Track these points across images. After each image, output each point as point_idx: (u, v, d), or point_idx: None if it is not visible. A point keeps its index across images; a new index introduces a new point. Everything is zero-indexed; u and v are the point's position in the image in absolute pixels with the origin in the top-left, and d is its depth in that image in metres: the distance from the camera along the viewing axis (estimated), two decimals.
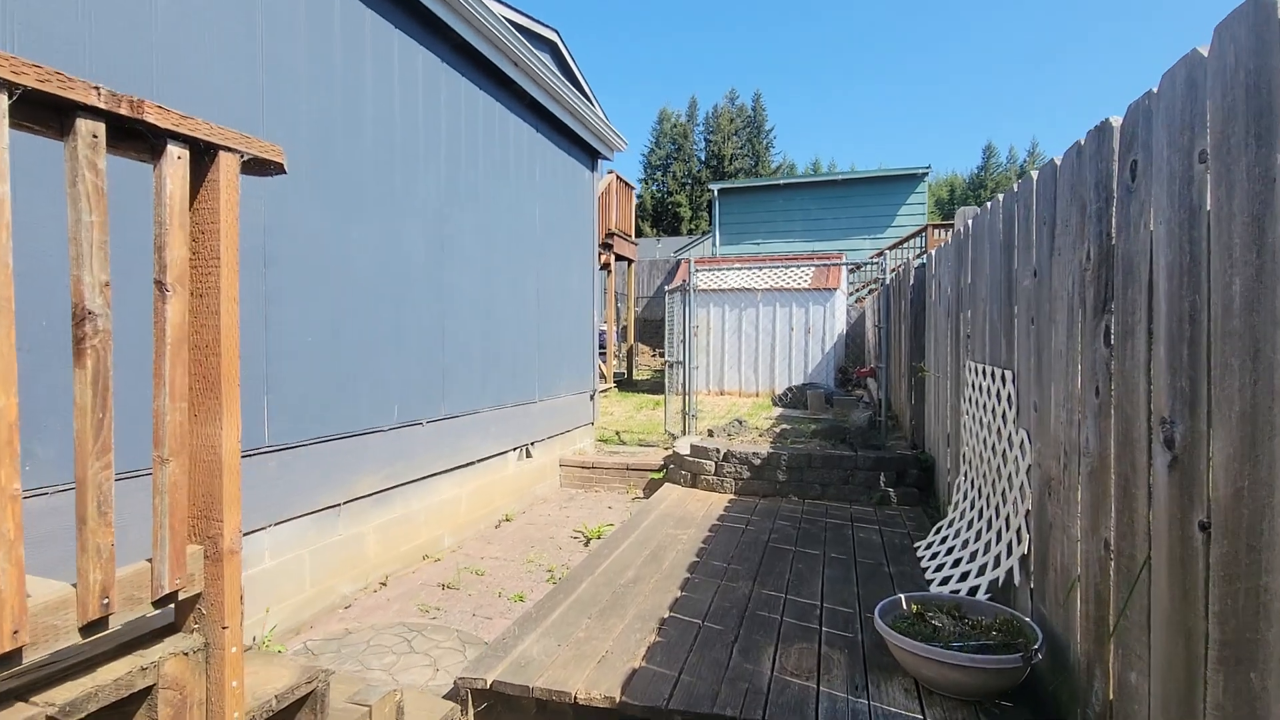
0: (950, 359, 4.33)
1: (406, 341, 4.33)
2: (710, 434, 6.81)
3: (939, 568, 3.50)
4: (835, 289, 10.92)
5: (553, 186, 6.47)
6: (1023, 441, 2.72)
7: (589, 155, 7.34)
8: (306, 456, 3.55)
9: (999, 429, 3.06)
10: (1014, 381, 2.85)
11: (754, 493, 5.50)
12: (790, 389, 10.28)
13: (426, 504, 4.60)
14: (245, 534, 3.17)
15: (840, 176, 17.85)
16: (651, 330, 19.27)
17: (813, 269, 11.46)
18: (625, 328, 14.35)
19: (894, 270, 6.77)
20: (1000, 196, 3.09)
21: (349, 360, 3.83)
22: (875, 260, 6.04)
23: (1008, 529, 2.89)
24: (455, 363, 4.86)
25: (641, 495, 6.29)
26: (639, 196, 54.79)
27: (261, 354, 3.25)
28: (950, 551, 3.54)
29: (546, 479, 6.42)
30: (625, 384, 13.51)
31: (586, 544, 4.88)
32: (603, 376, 12.61)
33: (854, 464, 5.32)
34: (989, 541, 3.12)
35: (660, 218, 53.24)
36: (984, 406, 3.34)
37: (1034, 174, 2.60)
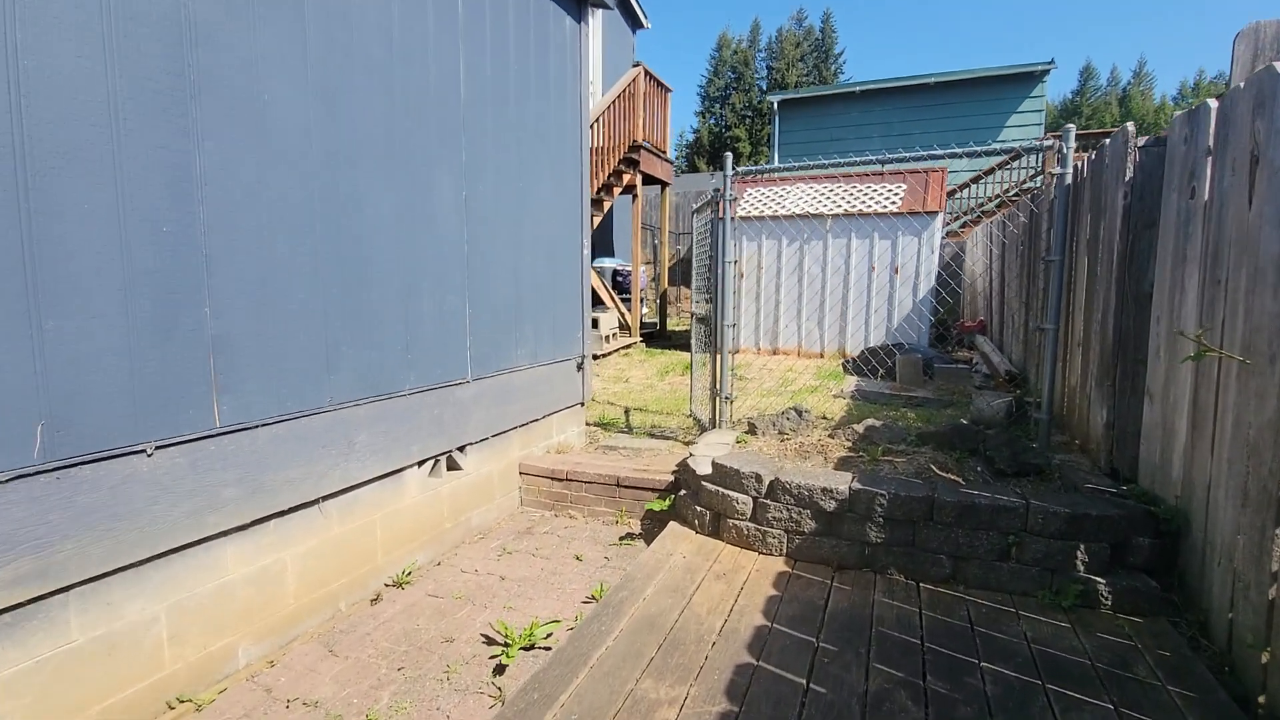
0: None
1: (71, 288, 2.01)
2: (751, 428, 4.35)
3: None
4: (936, 212, 8.00)
5: (500, 30, 3.94)
6: None
7: None
8: None
9: None
10: None
11: (822, 561, 3.05)
12: (869, 350, 7.60)
13: (178, 600, 2.38)
14: None
15: (933, 78, 14.33)
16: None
17: (904, 187, 8.53)
18: (660, 275, 11.79)
19: (1080, 159, 4.03)
20: None
21: None
22: (1037, 143, 3.18)
23: None
24: (246, 324, 2.54)
25: (636, 533, 3.94)
26: (694, 131, 50.60)
27: None
28: None
29: (492, 498, 4.14)
30: (656, 337, 11.04)
31: (499, 670, 2.58)
32: (626, 328, 10.17)
33: (1021, 520, 2.78)
34: None
35: (718, 154, 49.18)
36: None
37: None
